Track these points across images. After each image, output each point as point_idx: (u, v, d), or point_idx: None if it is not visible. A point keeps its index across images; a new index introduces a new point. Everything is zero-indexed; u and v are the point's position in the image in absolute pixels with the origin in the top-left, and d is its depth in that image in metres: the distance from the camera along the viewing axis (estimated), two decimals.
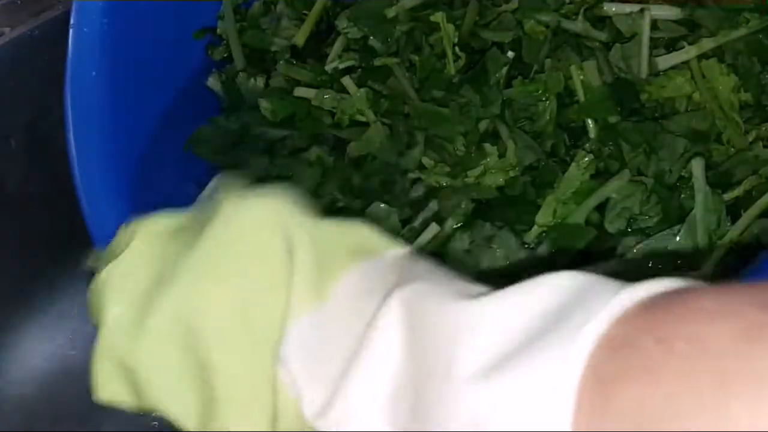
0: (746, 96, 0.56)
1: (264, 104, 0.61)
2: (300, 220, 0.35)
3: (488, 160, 0.54)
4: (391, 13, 0.60)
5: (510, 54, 0.58)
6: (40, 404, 0.65)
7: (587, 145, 0.55)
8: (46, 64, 0.62)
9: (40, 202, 0.65)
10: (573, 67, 0.56)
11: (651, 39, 0.57)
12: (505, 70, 0.57)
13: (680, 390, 0.23)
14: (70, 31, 0.56)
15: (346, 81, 0.60)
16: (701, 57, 0.57)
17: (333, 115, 0.60)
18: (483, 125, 0.56)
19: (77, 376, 0.66)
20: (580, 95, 0.56)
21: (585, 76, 0.56)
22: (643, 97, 0.56)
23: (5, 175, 0.61)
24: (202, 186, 0.44)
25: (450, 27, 0.58)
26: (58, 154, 0.64)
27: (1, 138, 0.60)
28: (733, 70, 0.56)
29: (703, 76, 0.56)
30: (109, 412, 0.64)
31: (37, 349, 0.67)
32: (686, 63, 0.57)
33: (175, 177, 0.59)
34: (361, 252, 0.35)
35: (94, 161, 0.56)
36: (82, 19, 0.55)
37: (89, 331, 0.68)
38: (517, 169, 0.54)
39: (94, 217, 0.53)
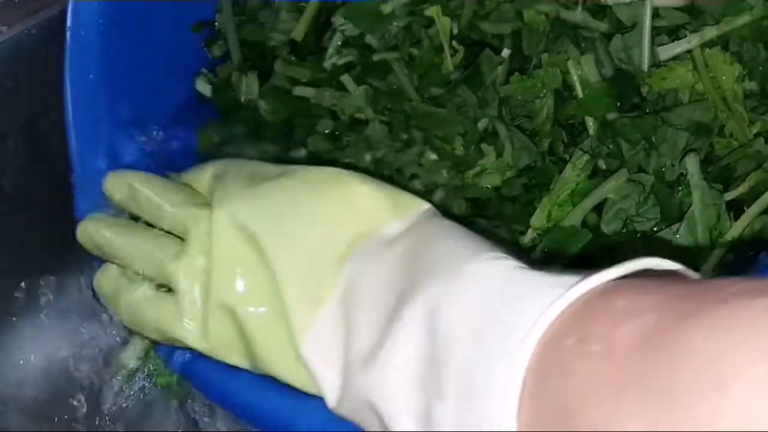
0: (751, 84, 0.55)
1: (263, 105, 0.60)
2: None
3: (485, 160, 0.53)
4: (387, 9, 0.59)
5: (506, 52, 0.57)
6: (40, 404, 0.65)
7: (585, 143, 0.54)
8: (43, 63, 0.62)
9: (39, 201, 0.65)
10: (570, 62, 0.55)
11: (653, 28, 0.56)
12: (500, 69, 0.56)
13: (588, 388, 0.25)
14: (67, 33, 0.56)
15: (346, 79, 0.59)
16: (704, 46, 0.55)
17: (333, 113, 0.60)
18: (482, 124, 0.55)
19: (77, 376, 0.67)
20: (579, 91, 0.55)
21: (583, 71, 0.55)
22: (644, 89, 0.55)
23: (3, 175, 0.61)
24: None
25: (446, 21, 0.57)
26: (56, 154, 0.65)
27: None
28: (738, 58, 0.55)
29: (706, 66, 0.55)
30: (110, 412, 0.65)
31: (37, 349, 0.67)
32: (689, 52, 0.55)
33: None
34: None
35: (95, 161, 0.56)
36: (78, 22, 0.55)
37: (89, 331, 0.69)
38: (513, 170, 0.53)
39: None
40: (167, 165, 0.57)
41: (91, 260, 0.55)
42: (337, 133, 0.58)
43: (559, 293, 0.28)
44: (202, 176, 0.48)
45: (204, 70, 0.65)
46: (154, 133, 0.59)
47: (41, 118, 0.63)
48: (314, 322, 0.39)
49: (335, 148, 0.58)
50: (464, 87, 0.56)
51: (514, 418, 0.27)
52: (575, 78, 0.55)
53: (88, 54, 0.56)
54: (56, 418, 0.63)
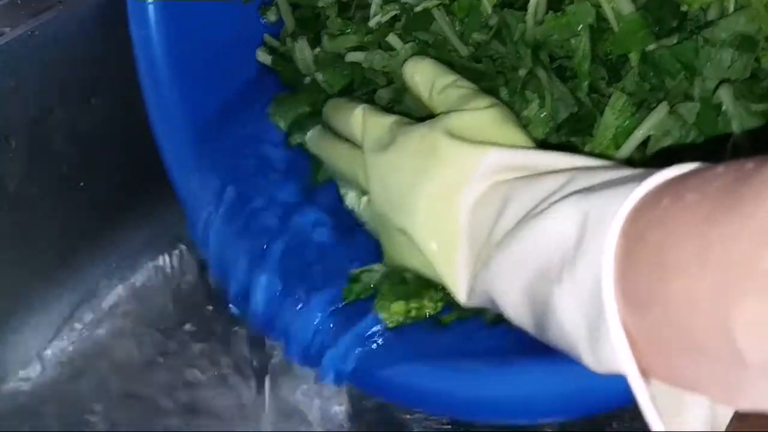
0: None
1: (320, 77, 0.61)
2: None
3: (528, 111, 0.52)
4: None
5: None
6: (40, 404, 0.65)
7: (626, 79, 0.52)
8: (46, 64, 0.62)
9: (40, 202, 0.65)
10: None
11: None
12: (536, 6, 0.54)
13: (684, 222, 0.29)
14: (132, 32, 0.58)
15: (392, 38, 0.59)
16: None
17: (386, 75, 0.60)
18: (522, 72, 0.54)
19: (77, 376, 0.67)
20: (614, 25, 0.52)
21: (615, 1, 0.52)
22: (683, 8, 0.52)
23: (5, 175, 0.61)
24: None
25: None
26: (58, 154, 0.65)
27: (1, 138, 0.60)
28: None
29: None
30: (109, 412, 0.65)
31: (37, 349, 0.67)
32: None
33: (246, 136, 0.60)
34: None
35: (173, 131, 0.59)
36: (138, 20, 0.57)
37: (89, 331, 0.69)
38: (554, 122, 0.52)
39: (180, 176, 0.58)
40: (249, 141, 0.60)
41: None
42: (397, 99, 0.58)
43: (648, 174, 0.33)
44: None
45: (267, 38, 0.66)
46: (232, 113, 0.60)
47: (44, 119, 0.63)
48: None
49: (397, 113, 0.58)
50: (495, 41, 0.55)
51: (611, 282, 0.31)
52: (608, 11, 0.52)
53: (154, 48, 0.58)
54: (56, 418, 0.64)
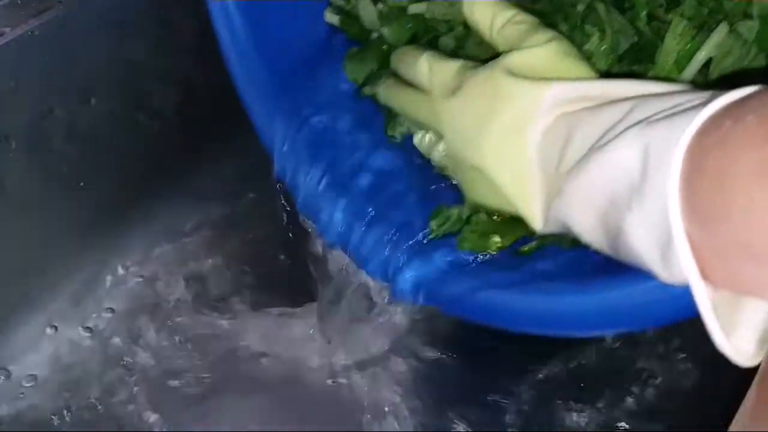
0: None
1: (385, 32, 0.61)
2: None
3: (589, 45, 0.52)
4: None
5: None
6: (39, 404, 0.65)
7: (683, 7, 0.51)
8: (46, 64, 0.62)
9: (40, 202, 0.65)
10: None
11: None
12: None
13: (743, 142, 0.31)
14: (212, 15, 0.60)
15: None
16: None
17: (447, 23, 0.60)
18: (581, 6, 0.54)
19: (77, 376, 0.67)
20: None
21: None
22: None
23: (5, 175, 0.61)
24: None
25: None
26: (58, 154, 0.65)
27: (1, 138, 0.60)
28: None
29: None
30: (109, 412, 0.65)
31: (38, 348, 0.67)
32: None
33: (321, 91, 0.62)
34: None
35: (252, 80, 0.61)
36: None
37: (89, 330, 0.69)
38: (615, 53, 0.52)
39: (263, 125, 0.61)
40: (324, 96, 0.61)
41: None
42: (460, 45, 0.59)
43: (709, 99, 0.34)
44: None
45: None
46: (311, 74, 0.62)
47: (44, 119, 0.63)
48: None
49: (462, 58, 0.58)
50: None
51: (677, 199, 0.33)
52: None
53: (233, 18, 0.60)
54: (56, 418, 0.64)
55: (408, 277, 0.53)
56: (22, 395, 0.66)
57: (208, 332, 0.71)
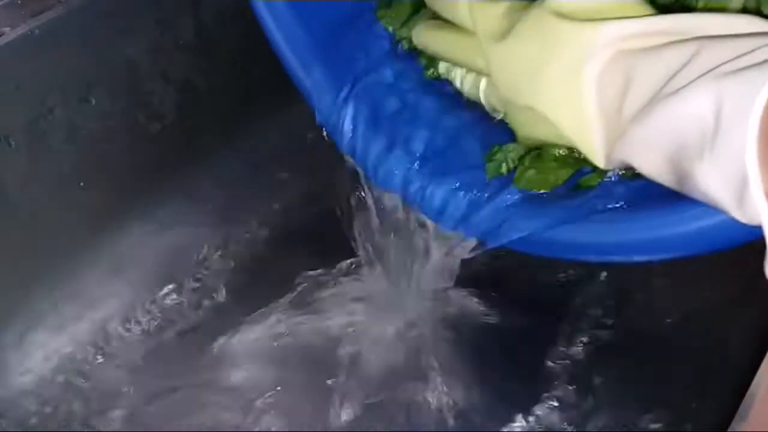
0: None
1: None
2: None
3: None
4: None
5: None
6: (39, 404, 0.65)
7: None
8: (46, 64, 0.62)
9: (40, 202, 0.65)
10: None
11: None
12: None
13: None
14: None
15: None
16: None
17: None
18: None
19: (77, 376, 0.67)
20: None
21: None
22: None
23: (5, 175, 0.61)
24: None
25: None
26: (58, 154, 0.65)
27: (1, 138, 0.60)
28: None
29: None
30: (109, 413, 0.65)
31: (37, 349, 0.67)
32: None
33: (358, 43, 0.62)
34: None
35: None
36: None
37: (89, 330, 0.69)
38: None
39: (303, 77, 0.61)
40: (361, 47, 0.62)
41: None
42: None
43: None
44: None
45: None
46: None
47: (44, 118, 0.63)
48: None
49: None
50: None
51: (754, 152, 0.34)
52: None
53: None
54: (57, 419, 0.64)
55: (477, 220, 0.54)
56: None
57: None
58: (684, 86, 0.38)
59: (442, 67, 0.60)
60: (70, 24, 0.62)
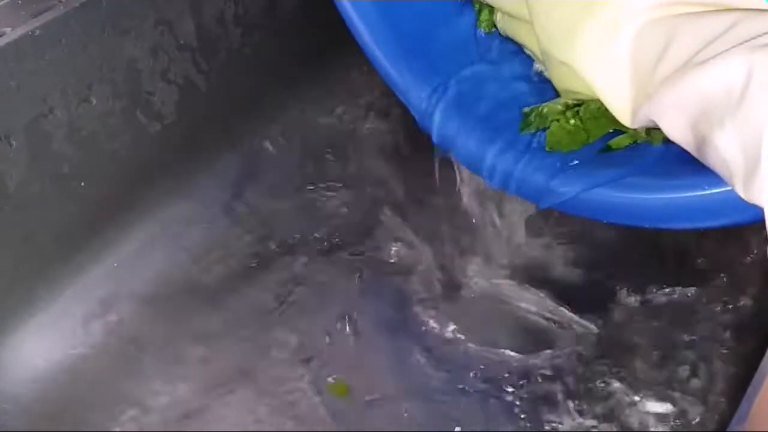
0: None
1: None
2: None
3: None
4: None
5: None
6: (40, 404, 0.65)
7: None
8: (46, 64, 0.62)
9: (41, 202, 0.65)
10: None
11: None
12: None
13: None
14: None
15: None
16: None
17: None
18: None
19: (77, 376, 0.67)
20: None
21: None
22: None
23: (5, 175, 0.61)
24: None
25: None
26: (58, 154, 0.65)
27: (1, 138, 0.60)
28: None
29: None
30: (109, 413, 0.65)
31: (37, 349, 0.67)
32: None
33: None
34: None
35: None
36: None
37: (89, 330, 0.69)
38: None
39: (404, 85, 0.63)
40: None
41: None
42: None
43: None
44: None
45: None
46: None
47: (44, 118, 0.63)
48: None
49: None
50: None
51: None
52: None
53: None
54: (57, 419, 0.64)
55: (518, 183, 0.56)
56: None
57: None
58: (718, 54, 0.39)
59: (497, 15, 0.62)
60: (70, 24, 0.62)
